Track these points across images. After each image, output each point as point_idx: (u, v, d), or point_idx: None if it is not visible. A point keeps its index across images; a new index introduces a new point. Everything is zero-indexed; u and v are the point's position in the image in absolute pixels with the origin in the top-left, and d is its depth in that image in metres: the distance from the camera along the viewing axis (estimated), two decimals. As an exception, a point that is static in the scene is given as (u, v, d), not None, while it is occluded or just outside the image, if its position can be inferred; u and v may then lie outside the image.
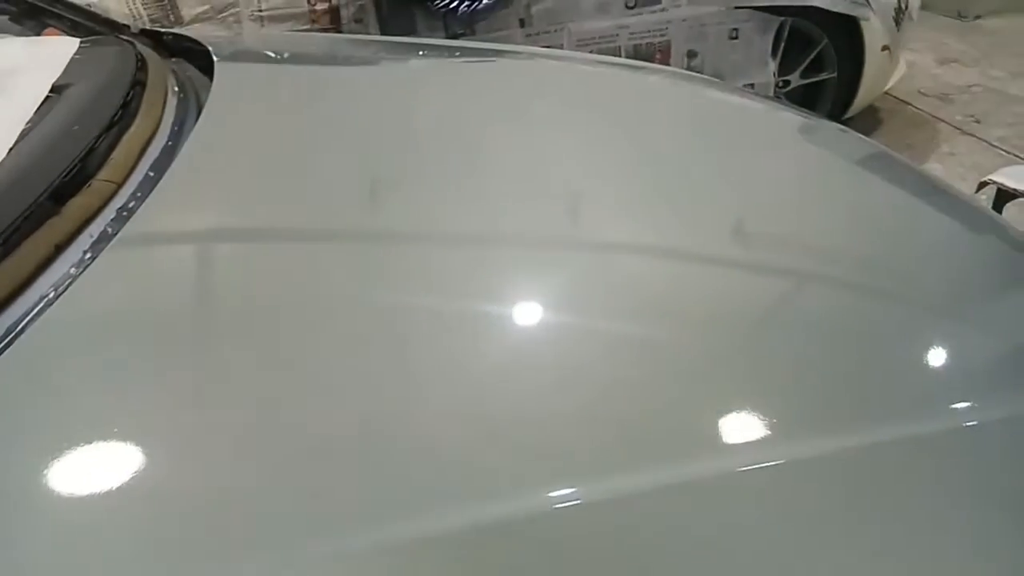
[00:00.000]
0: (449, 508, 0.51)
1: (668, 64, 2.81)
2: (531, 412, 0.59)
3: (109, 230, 0.71)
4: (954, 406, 0.66)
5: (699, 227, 0.86)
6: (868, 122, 3.45)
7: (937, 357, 0.73)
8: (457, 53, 1.59)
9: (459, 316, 0.68)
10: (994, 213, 1.32)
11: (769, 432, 0.60)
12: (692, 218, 0.88)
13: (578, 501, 0.52)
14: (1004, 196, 2.01)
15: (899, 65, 3.26)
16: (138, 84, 1.03)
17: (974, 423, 0.64)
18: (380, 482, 0.52)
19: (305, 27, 2.49)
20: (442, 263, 0.75)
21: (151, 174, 0.81)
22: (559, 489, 0.52)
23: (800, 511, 0.55)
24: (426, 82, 1.31)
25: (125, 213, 0.73)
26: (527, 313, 0.71)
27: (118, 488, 0.50)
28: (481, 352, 0.64)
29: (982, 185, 2.05)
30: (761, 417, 0.61)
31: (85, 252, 0.68)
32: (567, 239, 0.82)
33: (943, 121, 3.51)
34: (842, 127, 1.41)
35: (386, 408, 0.58)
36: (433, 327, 0.66)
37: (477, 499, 0.52)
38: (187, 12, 2.40)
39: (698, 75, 2.25)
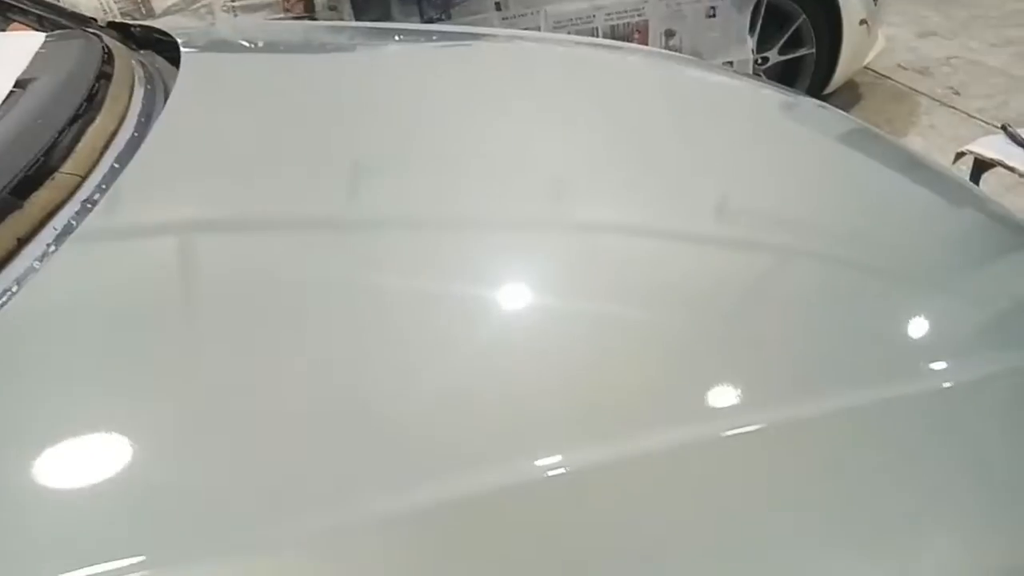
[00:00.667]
0: (437, 481, 0.51)
1: (646, 44, 2.80)
2: (517, 384, 0.60)
3: (73, 223, 0.70)
4: (931, 368, 0.67)
5: (680, 204, 0.86)
6: (848, 97, 3.46)
7: (914, 322, 0.74)
8: (434, 37, 1.58)
9: (440, 295, 0.69)
10: (971, 184, 1.33)
11: (751, 397, 0.61)
12: (673, 196, 0.88)
13: (564, 470, 0.53)
14: (981, 166, 2.03)
15: (878, 39, 3.27)
16: (104, 77, 1.01)
17: (950, 384, 0.65)
18: (366, 457, 0.53)
19: (279, 16, 2.47)
20: (418, 244, 0.75)
21: (116, 166, 0.80)
22: (546, 458, 0.53)
23: (783, 473, 0.56)
24: (403, 67, 1.30)
25: (90, 206, 0.73)
26: (509, 290, 0.71)
27: (81, 476, 0.50)
28: (463, 329, 0.65)
29: (959, 156, 2.07)
30: (743, 383, 0.62)
31: (49, 245, 0.67)
32: (547, 219, 0.82)
33: (922, 94, 3.52)
34: (821, 103, 1.41)
35: (367, 385, 0.58)
36: (414, 307, 0.66)
37: (465, 471, 0.52)
38: (159, 4, 2.37)
39: (677, 54, 2.25)
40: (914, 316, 0.75)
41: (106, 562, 0.45)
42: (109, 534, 0.47)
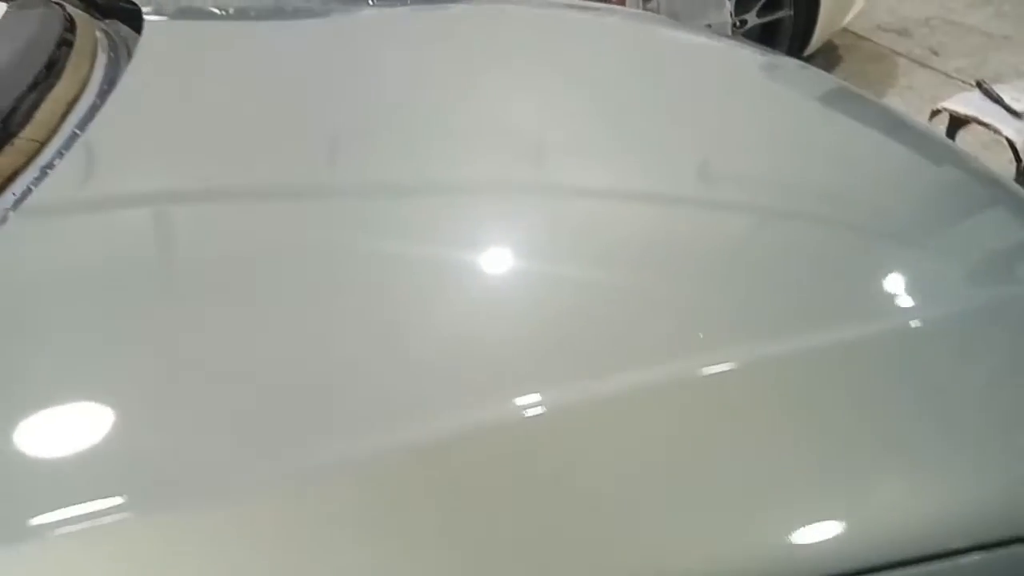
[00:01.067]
0: (420, 420, 0.53)
1: (625, 5, 2.77)
2: (499, 329, 0.62)
3: (32, 188, 0.69)
4: (900, 307, 0.69)
5: (659, 161, 0.87)
6: (827, 59, 3.45)
7: (885, 267, 0.75)
8: (408, 1, 1.56)
9: (419, 253, 0.69)
10: (950, 142, 1.33)
11: (726, 337, 0.62)
12: (653, 154, 0.88)
13: (544, 409, 0.54)
14: (956, 123, 2.04)
15: (856, 1, 3.25)
16: (65, 44, 1.00)
17: (918, 323, 0.66)
18: (346, 402, 0.54)
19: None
20: (385, 205, 0.75)
21: (77, 132, 0.79)
22: (526, 397, 0.54)
23: (756, 410, 0.58)
24: (378, 32, 1.28)
25: (49, 171, 0.72)
26: (488, 242, 0.72)
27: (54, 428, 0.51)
28: (440, 279, 0.66)
29: (935, 113, 2.07)
30: (718, 324, 0.64)
31: (7, 210, 0.66)
32: (523, 176, 0.82)
33: (901, 55, 3.51)
34: (802, 63, 1.40)
35: (343, 334, 0.60)
36: (388, 262, 0.67)
37: (448, 410, 0.54)
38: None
39: (656, 15, 2.23)
40: (885, 262, 0.76)
41: (85, 502, 0.46)
42: (87, 478, 0.48)
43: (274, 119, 0.88)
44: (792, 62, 1.38)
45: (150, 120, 0.85)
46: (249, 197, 0.75)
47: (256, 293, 0.63)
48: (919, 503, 0.53)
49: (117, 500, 0.46)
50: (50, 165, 0.73)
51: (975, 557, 0.51)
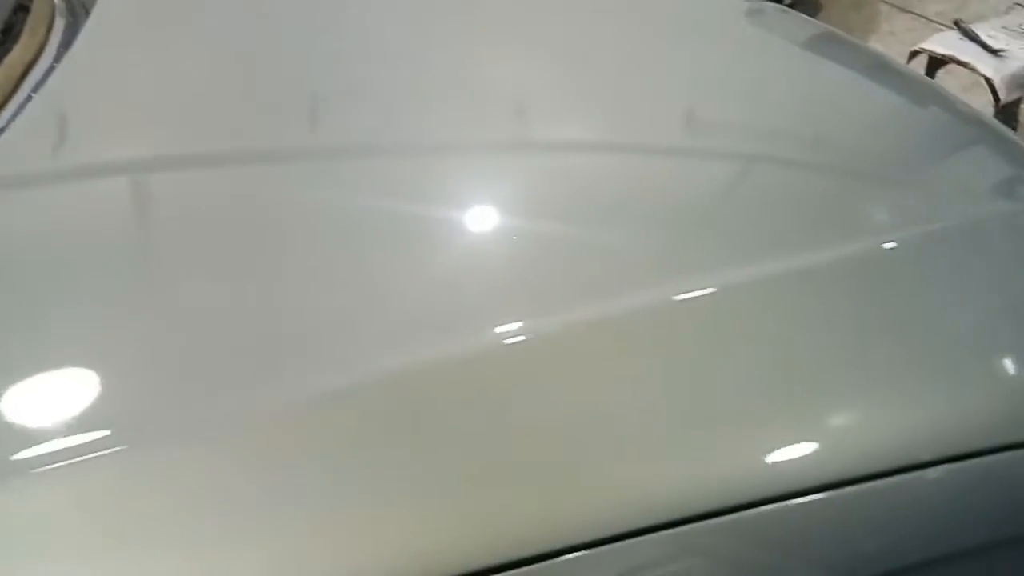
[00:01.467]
0: (399, 348, 0.53)
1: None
2: (476, 259, 0.63)
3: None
4: (875, 228, 0.70)
5: (635, 106, 0.86)
6: (807, 8, 3.41)
7: (859, 195, 0.76)
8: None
9: (396, 189, 0.70)
10: (935, 82, 1.33)
11: (701, 262, 0.63)
12: (636, 100, 0.88)
13: (524, 337, 0.54)
14: (935, 63, 2.03)
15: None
16: (21, 9, 0.98)
17: (893, 244, 0.67)
18: (327, 331, 0.55)
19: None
20: (353, 165, 0.75)
21: (32, 96, 0.78)
22: (507, 325, 0.55)
23: (731, 334, 0.58)
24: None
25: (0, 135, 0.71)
26: (464, 176, 0.73)
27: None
28: (419, 212, 0.67)
29: (913, 55, 2.06)
30: (693, 251, 0.65)
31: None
32: (509, 134, 0.82)
33: (883, 1, 3.48)
34: (783, 8, 1.39)
35: (323, 267, 0.61)
36: (364, 207, 0.68)
37: (427, 340, 0.54)
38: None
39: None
40: (862, 189, 0.77)
41: (73, 435, 0.47)
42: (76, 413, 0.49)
43: (236, 79, 0.87)
44: (772, 6, 1.36)
45: (106, 81, 0.84)
46: (207, 157, 0.75)
47: (215, 248, 0.63)
48: (891, 417, 0.54)
49: (87, 437, 0.47)
50: (3, 129, 0.72)
51: (942, 469, 0.52)
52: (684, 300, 0.59)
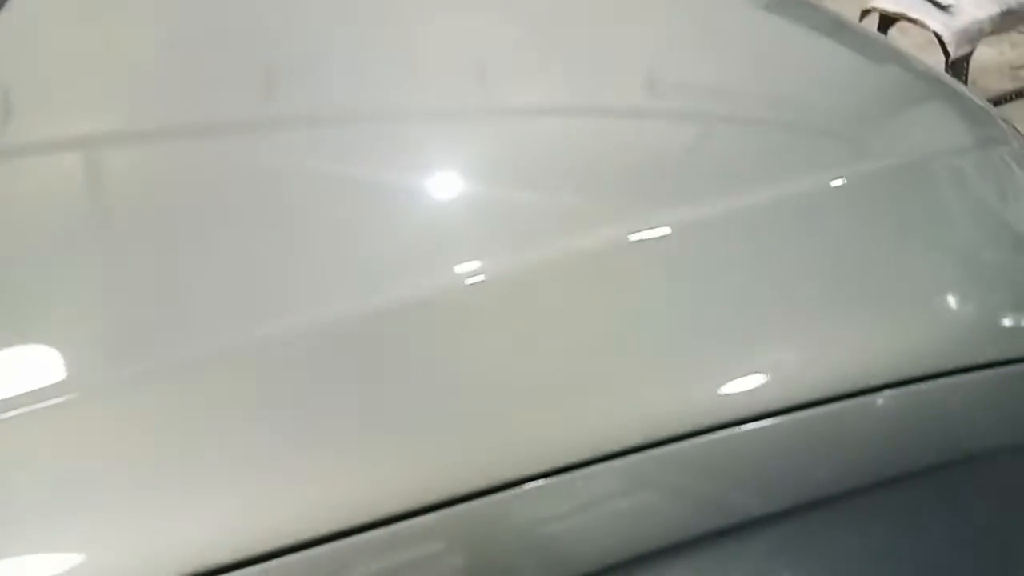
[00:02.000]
0: (363, 291, 0.54)
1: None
2: (434, 208, 0.64)
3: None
4: (824, 166, 0.71)
5: (596, 66, 0.86)
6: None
7: (812, 136, 0.78)
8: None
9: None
10: (891, 41, 1.34)
11: (654, 201, 0.65)
12: (591, 59, 0.88)
13: (482, 277, 0.55)
14: (886, 20, 2.05)
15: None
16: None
17: (841, 181, 0.68)
18: (284, 275, 0.55)
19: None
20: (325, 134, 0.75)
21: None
22: (464, 265, 0.55)
23: (681, 271, 0.59)
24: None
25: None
26: (421, 119, 0.74)
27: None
28: (374, 156, 0.68)
29: (865, 13, 2.08)
30: (646, 190, 0.66)
31: None
32: (466, 94, 0.82)
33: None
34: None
35: (281, 208, 0.62)
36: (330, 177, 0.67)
37: (386, 282, 0.55)
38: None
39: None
40: (810, 134, 0.79)
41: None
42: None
43: (179, 46, 0.85)
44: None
45: (40, 42, 0.82)
46: (156, 126, 0.74)
47: (160, 210, 0.63)
48: (834, 346, 0.56)
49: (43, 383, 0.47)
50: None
51: (885, 395, 0.53)
52: (637, 240, 0.59)
